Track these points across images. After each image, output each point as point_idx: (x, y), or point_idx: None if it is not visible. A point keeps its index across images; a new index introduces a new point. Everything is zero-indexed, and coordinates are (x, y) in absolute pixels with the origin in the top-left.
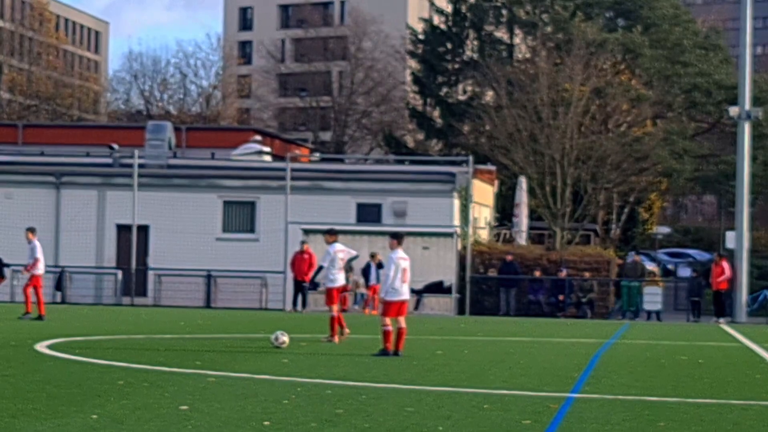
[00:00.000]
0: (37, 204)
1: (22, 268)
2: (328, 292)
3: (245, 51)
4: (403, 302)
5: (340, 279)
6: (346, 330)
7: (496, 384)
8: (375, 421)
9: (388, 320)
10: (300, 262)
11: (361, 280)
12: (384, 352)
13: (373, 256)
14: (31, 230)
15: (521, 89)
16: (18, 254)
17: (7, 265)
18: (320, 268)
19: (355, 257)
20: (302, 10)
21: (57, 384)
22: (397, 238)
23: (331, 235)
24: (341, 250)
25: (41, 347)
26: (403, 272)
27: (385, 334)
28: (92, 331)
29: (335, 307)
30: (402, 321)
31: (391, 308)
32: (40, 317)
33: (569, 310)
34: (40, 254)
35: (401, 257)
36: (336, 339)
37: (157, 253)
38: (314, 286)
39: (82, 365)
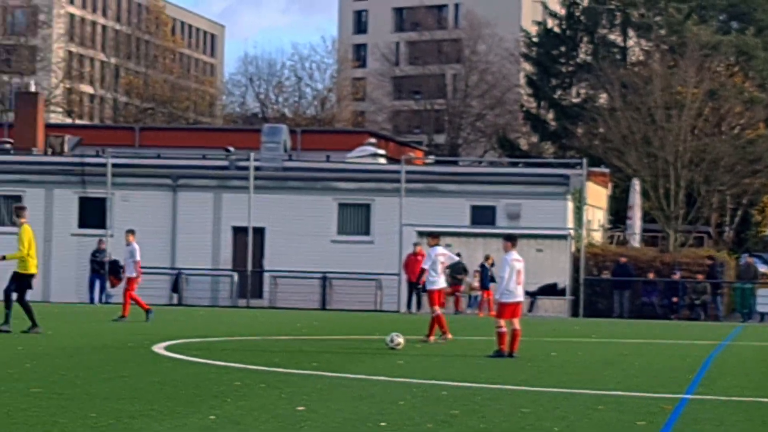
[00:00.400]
0: (153, 206)
1: (122, 269)
2: (430, 294)
3: (360, 54)
4: (517, 304)
5: (440, 281)
6: (432, 337)
7: (610, 385)
8: (490, 422)
9: (502, 322)
10: (413, 263)
11: (476, 283)
12: (498, 354)
13: (487, 258)
14: (132, 232)
15: (635, 92)
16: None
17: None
18: (422, 270)
19: (457, 262)
20: (416, 13)
21: (174, 385)
22: (511, 240)
23: (434, 238)
24: (442, 254)
25: (158, 348)
26: (517, 274)
27: (500, 336)
28: (209, 333)
29: (437, 308)
30: (516, 323)
31: (506, 310)
32: (122, 317)
33: (683, 312)
34: (139, 257)
35: (516, 259)
36: (449, 335)
37: (273, 256)
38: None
39: (199, 366)
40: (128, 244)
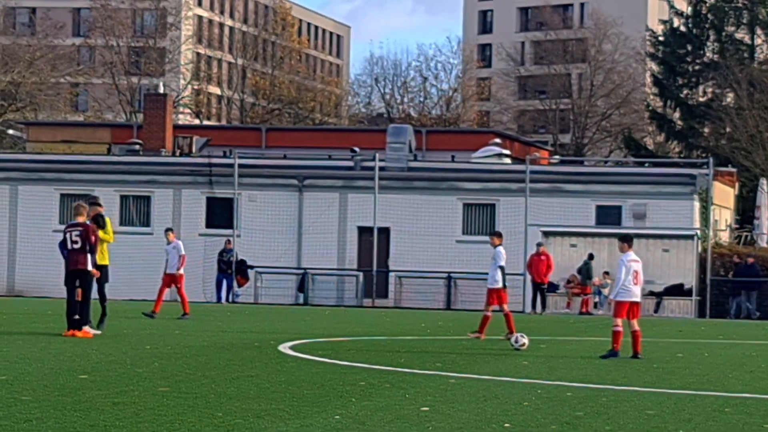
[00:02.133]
0: (279, 206)
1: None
2: (489, 293)
3: (485, 54)
4: (633, 303)
5: (500, 281)
6: (483, 335)
7: (737, 387)
8: (616, 424)
9: (619, 321)
10: (537, 263)
11: (605, 281)
12: (612, 353)
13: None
14: (171, 230)
15: (762, 90)
16: (263, 257)
17: (251, 267)
18: (502, 269)
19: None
20: (542, 13)
21: (300, 384)
22: (626, 240)
23: (498, 237)
24: (504, 254)
25: (284, 348)
26: (634, 274)
27: (615, 335)
28: (334, 333)
29: (491, 307)
30: (635, 324)
31: (622, 308)
32: (153, 314)
33: None
34: (184, 251)
35: (633, 260)
36: (482, 336)
37: (398, 255)
38: (553, 287)
39: (325, 366)
40: (169, 242)
